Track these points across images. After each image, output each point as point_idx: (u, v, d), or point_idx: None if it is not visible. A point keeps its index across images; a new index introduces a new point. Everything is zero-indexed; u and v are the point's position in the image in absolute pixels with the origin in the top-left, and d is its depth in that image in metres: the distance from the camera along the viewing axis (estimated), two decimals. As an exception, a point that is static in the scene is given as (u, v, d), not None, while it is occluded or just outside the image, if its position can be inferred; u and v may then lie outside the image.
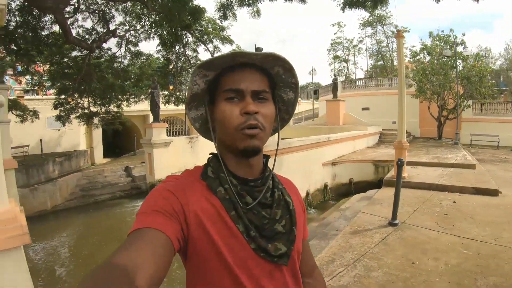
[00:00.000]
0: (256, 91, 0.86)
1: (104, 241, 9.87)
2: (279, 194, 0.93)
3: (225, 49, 12.29)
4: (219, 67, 0.87)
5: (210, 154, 0.96)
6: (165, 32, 10.95)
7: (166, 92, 16.09)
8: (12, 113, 14.35)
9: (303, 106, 39.78)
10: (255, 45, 31.43)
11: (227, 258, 0.80)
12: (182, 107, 18.05)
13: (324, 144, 10.08)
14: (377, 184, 8.41)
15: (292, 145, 8.46)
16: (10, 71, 15.39)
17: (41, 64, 14.01)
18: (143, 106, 18.67)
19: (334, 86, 17.48)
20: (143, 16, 11.26)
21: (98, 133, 19.46)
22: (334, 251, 4.40)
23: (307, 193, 9.18)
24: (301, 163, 8.88)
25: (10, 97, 15.44)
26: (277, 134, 1.01)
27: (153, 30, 11.26)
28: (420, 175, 8.17)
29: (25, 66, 13.60)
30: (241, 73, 0.87)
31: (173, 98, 15.75)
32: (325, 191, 10.07)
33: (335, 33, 43.07)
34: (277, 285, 0.86)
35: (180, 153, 14.02)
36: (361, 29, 38.12)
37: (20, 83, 16.67)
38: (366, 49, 39.44)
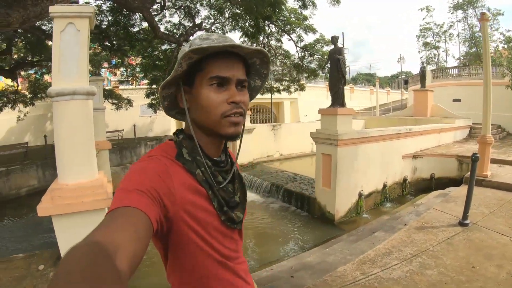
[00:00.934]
0: (240, 80, 0.94)
1: None
2: (235, 170, 1.07)
3: (308, 38, 12.41)
4: (207, 52, 0.89)
5: (177, 132, 1.01)
6: (247, 24, 11.23)
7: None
8: (108, 102, 15.99)
9: (392, 96, 38.14)
10: (342, 33, 30.79)
11: (201, 233, 0.91)
12: (268, 96, 18.61)
13: (406, 135, 9.72)
14: (460, 181, 7.99)
15: (370, 135, 8.36)
16: (105, 65, 16.81)
17: (134, 57, 15.22)
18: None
19: (422, 75, 16.52)
20: (225, 10, 11.71)
21: (188, 119, 20.69)
22: (394, 244, 4.44)
23: (384, 185, 8.99)
24: (379, 154, 8.75)
25: (107, 88, 17.02)
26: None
27: (233, 22, 11.61)
28: (505, 175, 7.50)
29: (120, 60, 14.99)
30: (227, 61, 0.92)
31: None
32: (404, 185, 9.75)
33: (423, 18, 39.68)
34: (233, 244, 1.03)
35: (262, 140, 14.54)
36: (451, 13, 34.73)
37: (115, 74, 18.04)
38: (457, 35, 36.04)
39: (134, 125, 18.53)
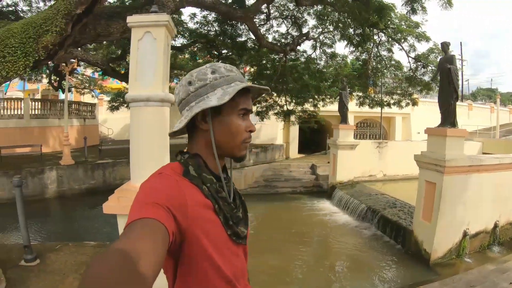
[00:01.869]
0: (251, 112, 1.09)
1: (275, 226, 10.35)
2: (234, 187, 1.14)
3: (421, 47, 10.98)
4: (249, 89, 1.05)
5: (180, 152, 1.07)
6: (352, 32, 10.56)
7: (360, 94, 15.66)
8: None
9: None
10: (460, 42, 27.33)
11: (210, 247, 0.93)
12: (378, 109, 17.29)
13: None
14: None
15: (484, 163, 6.77)
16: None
17: (242, 66, 15.36)
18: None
19: None
20: (326, 18, 11.14)
21: (294, 130, 20.41)
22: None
23: (495, 225, 7.20)
24: (494, 186, 7.05)
25: None
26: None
27: (340, 31, 10.98)
28: None
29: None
30: (248, 96, 1.06)
31: (367, 100, 15.21)
32: None
33: None
34: (239, 262, 1.06)
35: (366, 157, 13.49)
36: None
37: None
38: None
39: (238, 132, 18.71)
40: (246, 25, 10.24)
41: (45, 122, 15.97)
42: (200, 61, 15.57)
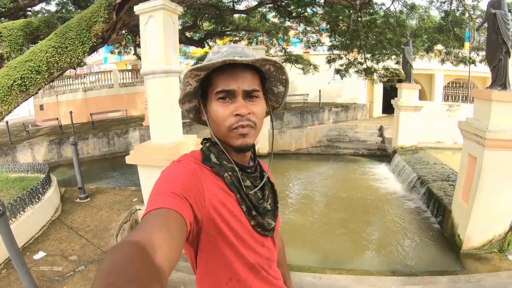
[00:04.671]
0: (247, 91, 0.90)
1: (332, 188, 10.13)
2: (266, 177, 1.03)
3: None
4: (210, 68, 0.89)
5: (204, 140, 1.02)
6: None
7: (442, 49, 13.58)
8: (295, 66, 16.26)
9: None
10: None
11: (231, 235, 0.89)
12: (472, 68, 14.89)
13: None
14: None
15: None
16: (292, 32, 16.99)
17: (318, 22, 14.56)
18: (430, 64, 16.68)
19: None
20: None
21: (378, 89, 18.79)
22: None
23: None
24: None
25: (295, 53, 17.33)
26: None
27: None
28: None
29: (304, 27, 15.40)
30: (233, 73, 0.89)
31: (451, 57, 13.11)
32: None
33: None
34: (265, 251, 1.00)
35: (433, 121, 11.90)
36: None
37: (301, 41, 17.69)
38: None
39: (320, 90, 17.64)
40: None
41: (132, 89, 18.02)
42: (275, 20, 15.51)
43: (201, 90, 0.95)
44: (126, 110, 15.12)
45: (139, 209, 5.99)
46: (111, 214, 5.76)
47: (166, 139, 5.39)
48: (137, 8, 5.08)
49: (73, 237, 4.91)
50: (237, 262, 0.91)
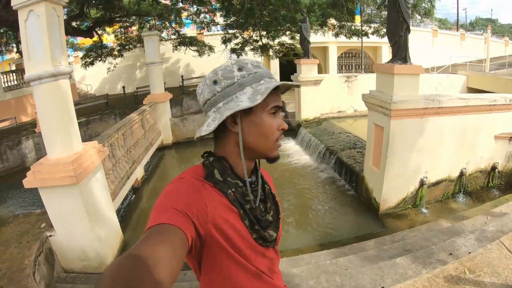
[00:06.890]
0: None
1: None
2: (268, 189, 1.06)
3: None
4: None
5: (205, 154, 1.00)
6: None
7: (336, 23, 14.32)
8: (190, 49, 16.14)
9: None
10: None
11: (232, 250, 0.89)
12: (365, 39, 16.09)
13: (503, 108, 6.23)
14: None
15: (445, 105, 5.54)
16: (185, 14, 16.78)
17: (210, 2, 14.57)
18: (324, 37, 17.84)
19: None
20: None
21: (274, 64, 19.35)
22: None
23: (461, 173, 6.22)
24: (459, 131, 5.95)
25: (189, 35, 17.18)
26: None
27: None
28: None
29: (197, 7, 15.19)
30: (278, 92, 0.95)
31: (344, 30, 13.87)
32: (492, 174, 6.60)
33: None
34: (267, 261, 1.00)
35: (333, 93, 12.45)
36: None
37: (195, 22, 17.54)
38: None
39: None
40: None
41: (20, 92, 14.95)
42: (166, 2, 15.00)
43: None
44: (15, 118, 12.92)
45: (50, 235, 4.93)
46: (21, 249, 4.78)
47: (65, 152, 4.61)
48: (14, 2, 4.15)
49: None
50: (239, 273, 0.92)
